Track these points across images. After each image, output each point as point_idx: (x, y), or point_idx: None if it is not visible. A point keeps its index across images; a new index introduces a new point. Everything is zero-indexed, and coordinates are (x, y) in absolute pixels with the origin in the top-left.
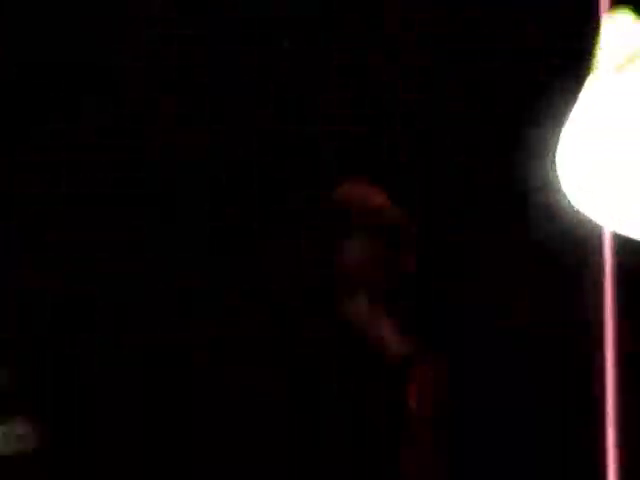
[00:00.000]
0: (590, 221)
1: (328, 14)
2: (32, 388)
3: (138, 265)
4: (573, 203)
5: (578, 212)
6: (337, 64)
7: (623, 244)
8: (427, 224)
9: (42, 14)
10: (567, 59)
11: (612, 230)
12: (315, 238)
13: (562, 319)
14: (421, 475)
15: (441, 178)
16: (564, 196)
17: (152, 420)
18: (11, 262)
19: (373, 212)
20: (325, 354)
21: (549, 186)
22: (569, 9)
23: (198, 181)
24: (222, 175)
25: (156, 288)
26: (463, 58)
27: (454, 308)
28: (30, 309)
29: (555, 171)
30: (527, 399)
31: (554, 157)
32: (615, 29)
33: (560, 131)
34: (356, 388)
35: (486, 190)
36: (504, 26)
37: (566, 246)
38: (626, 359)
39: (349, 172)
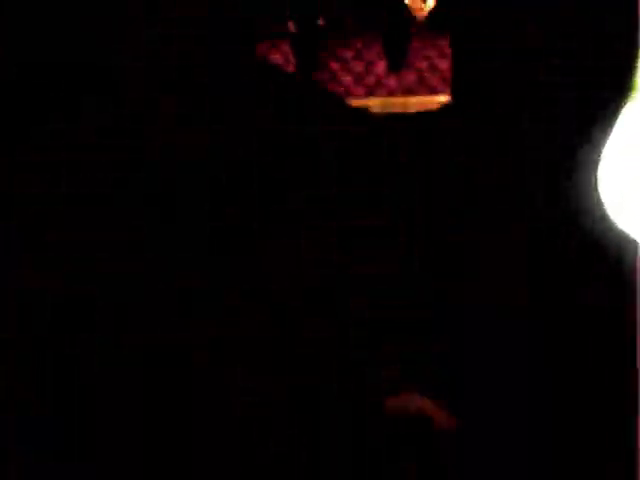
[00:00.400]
0: (626, 234)
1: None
2: (32, 388)
3: (138, 265)
4: (612, 217)
5: (616, 225)
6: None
7: None
8: (427, 224)
9: (42, 14)
10: (567, 59)
11: None
12: (315, 238)
13: (567, 320)
14: None
15: (441, 178)
16: (603, 210)
17: (152, 420)
18: (11, 262)
19: (423, 423)
20: (325, 354)
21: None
22: (569, 9)
23: (198, 181)
24: (222, 175)
25: (156, 288)
26: (463, 58)
27: (454, 308)
28: (30, 309)
29: (596, 187)
30: (526, 399)
31: (595, 173)
32: None
33: (600, 149)
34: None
35: (486, 190)
36: (504, 26)
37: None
38: None
39: (349, 172)
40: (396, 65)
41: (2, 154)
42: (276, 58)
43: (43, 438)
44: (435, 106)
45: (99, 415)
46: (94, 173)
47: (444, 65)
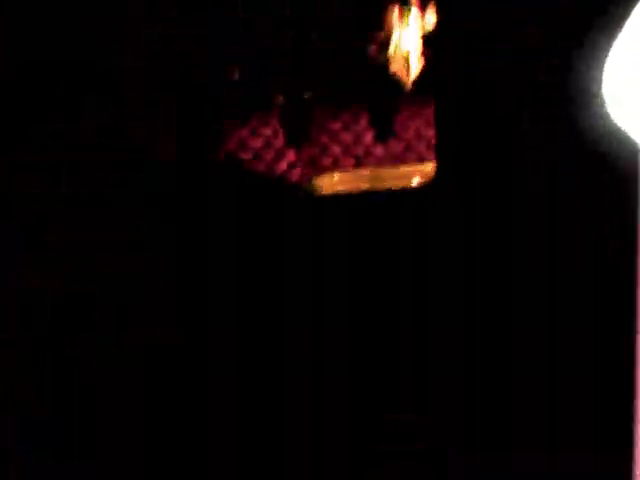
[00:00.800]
0: (629, 138)
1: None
2: (32, 388)
3: (138, 265)
4: (614, 118)
5: (618, 128)
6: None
7: None
8: (427, 225)
9: (42, 14)
10: (567, 59)
11: None
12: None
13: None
14: None
15: (443, 179)
16: (605, 110)
17: (152, 420)
18: (11, 262)
19: None
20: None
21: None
22: (569, 9)
23: (197, 181)
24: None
25: (156, 288)
26: (463, 58)
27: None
28: (30, 309)
29: (600, 86)
30: None
31: (600, 73)
32: None
33: (607, 48)
34: None
35: (487, 191)
36: (504, 26)
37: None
38: None
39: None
40: (383, 134)
41: (2, 154)
42: (266, 132)
43: (43, 438)
44: (423, 174)
45: (99, 415)
46: (94, 173)
47: (431, 133)
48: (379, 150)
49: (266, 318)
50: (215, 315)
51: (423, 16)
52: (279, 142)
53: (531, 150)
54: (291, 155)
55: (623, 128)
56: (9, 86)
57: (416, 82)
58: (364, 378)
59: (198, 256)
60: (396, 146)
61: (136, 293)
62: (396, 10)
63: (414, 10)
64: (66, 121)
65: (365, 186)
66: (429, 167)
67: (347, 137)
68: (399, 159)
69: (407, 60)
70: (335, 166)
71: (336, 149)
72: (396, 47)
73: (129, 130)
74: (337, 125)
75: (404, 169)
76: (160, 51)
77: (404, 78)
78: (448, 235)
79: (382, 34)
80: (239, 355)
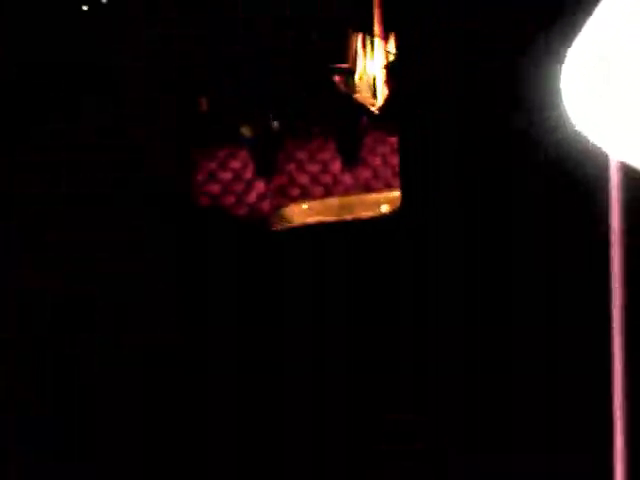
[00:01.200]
0: (596, 148)
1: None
2: (32, 388)
3: (138, 265)
4: (579, 129)
5: (584, 138)
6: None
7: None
8: (426, 224)
9: (42, 14)
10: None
11: (617, 158)
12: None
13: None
14: None
15: (442, 177)
16: (571, 122)
17: (152, 420)
18: (11, 262)
19: None
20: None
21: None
22: (569, 9)
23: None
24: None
25: (156, 288)
26: (463, 58)
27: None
28: (30, 309)
29: (562, 95)
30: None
31: (561, 83)
32: None
33: (566, 58)
34: None
35: (486, 189)
36: (504, 26)
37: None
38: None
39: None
40: (351, 161)
41: (2, 154)
42: (235, 164)
43: (43, 438)
44: (391, 201)
45: (99, 415)
46: (94, 173)
47: (396, 160)
48: (347, 178)
49: (266, 318)
50: (215, 315)
51: (386, 45)
52: (248, 174)
53: (531, 150)
54: (260, 187)
55: (585, 134)
56: (9, 86)
57: (382, 109)
58: (364, 378)
59: (198, 256)
60: (364, 174)
61: (136, 293)
62: (360, 40)
63: (377, 40)
64: (66, 121)
65: (335, 215)
66: (396, 194)
67: (315, 166)
68: (368, 187)
69: (373, 88)
70: (303, 196)
71: (304, 178)
72: (361, 76)
73: (129, 130)
74: (305, 155)
75: (373, 196)
76: (160, 51)
77: (370, 106)
78: (448, 236)
79: (347, 64)
80: (239, 355)
